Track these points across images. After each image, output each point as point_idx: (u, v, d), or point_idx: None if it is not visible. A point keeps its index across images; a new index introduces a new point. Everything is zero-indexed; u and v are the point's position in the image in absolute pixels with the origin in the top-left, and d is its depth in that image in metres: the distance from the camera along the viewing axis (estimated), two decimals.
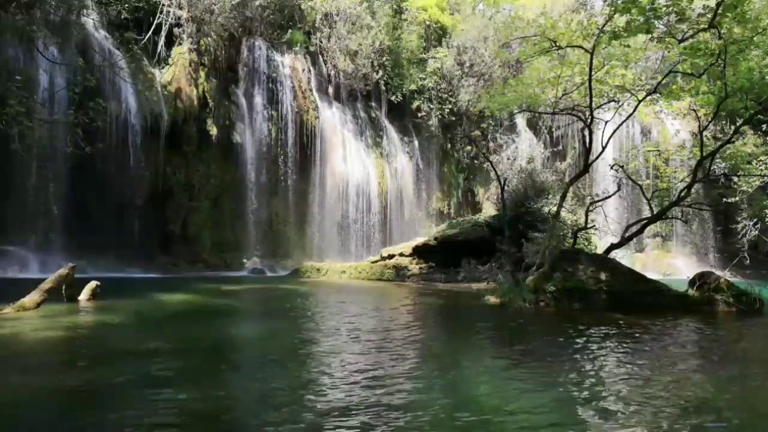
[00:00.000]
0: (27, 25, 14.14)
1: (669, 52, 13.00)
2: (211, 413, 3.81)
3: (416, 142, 27.47)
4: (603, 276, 10.30)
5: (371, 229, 24.42)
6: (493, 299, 10.92)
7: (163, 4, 19.99)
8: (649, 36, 11.86)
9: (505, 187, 15.53)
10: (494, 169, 16.28)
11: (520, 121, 28.54)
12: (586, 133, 13.32)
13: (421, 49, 27.34)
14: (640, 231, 14.12)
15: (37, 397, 4.15)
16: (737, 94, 11.28)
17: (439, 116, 27.17)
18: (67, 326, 7.15)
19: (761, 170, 17.20)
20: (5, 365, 5.06)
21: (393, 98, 26.35)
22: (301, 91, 23.39)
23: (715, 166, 14.94)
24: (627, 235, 12.92)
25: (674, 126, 24.46)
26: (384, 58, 25.55)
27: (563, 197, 13.47)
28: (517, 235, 14.95)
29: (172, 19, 20.29)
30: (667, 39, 11.68)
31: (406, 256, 18.20)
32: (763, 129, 20.89)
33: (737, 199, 20.76)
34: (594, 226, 14.32)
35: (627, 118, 13.99)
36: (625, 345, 6.70)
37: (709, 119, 13.64)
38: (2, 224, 15.64)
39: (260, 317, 9.20)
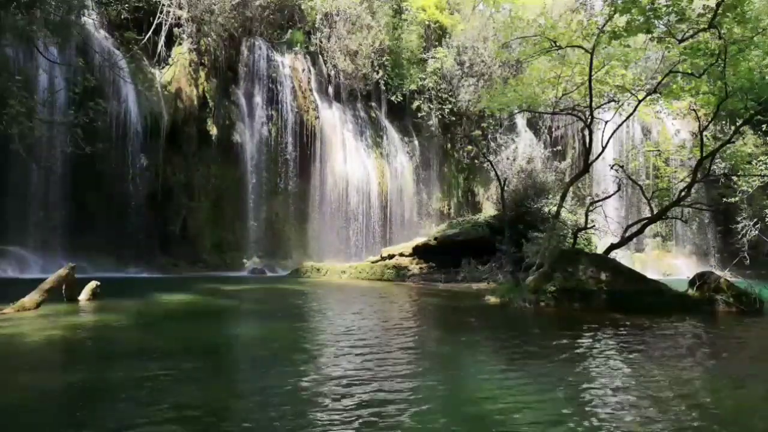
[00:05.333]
0: (27, 25, 14.12)
1: (669, 52, 12.99)
2: (210, 414, 3.81)
3: (416, 142, 27.45)
4: (603, 276, 10.29)
5: (371, 229, 24.40)
6: (493, 299, 10.93)
7: (163, 4, 20.00)
8: (649, 36, 11.85)
9: (505, 187, 15.51)
10: (494, 169, 16.26)
11: (520, 121, 28.51)
12: (586, 133, 13.33)
13: (421, 49, 27.32)
14: (640, 231, 14.12)
15: (37, 396, 4.15)
16: (737, 94, 11.27)
17: (439, 116, 27.15)
18: (67, 326, 7.15)
19: (761, 170, 17.20)
20: (5, 365, 5.06)
21: (393, 98, 26.33)
22: (301, 91, 23.38)
23: (715, 166, 14.93)
24: (627, 235, 12.92)
25: (674, 126, 24.44)
26: (384, 58, 25.54)
27: (563, 197, 13.48)
28: (517, 235, 14.94)
29: (172, 19, 20.30)
30: (667, 39, 11.67)
31: (406, 256, 18.21)
32: (763, 129, 20.86)
33: (737, 199, 20.74)
34: (594, 226, 14.31)
35: (627, 118, 14.00)
36: (625, 345, 6.70)
37: (709, 119, 13.64)
38: (2, 224, 15.64)
39: (260, 318, 9.19)
